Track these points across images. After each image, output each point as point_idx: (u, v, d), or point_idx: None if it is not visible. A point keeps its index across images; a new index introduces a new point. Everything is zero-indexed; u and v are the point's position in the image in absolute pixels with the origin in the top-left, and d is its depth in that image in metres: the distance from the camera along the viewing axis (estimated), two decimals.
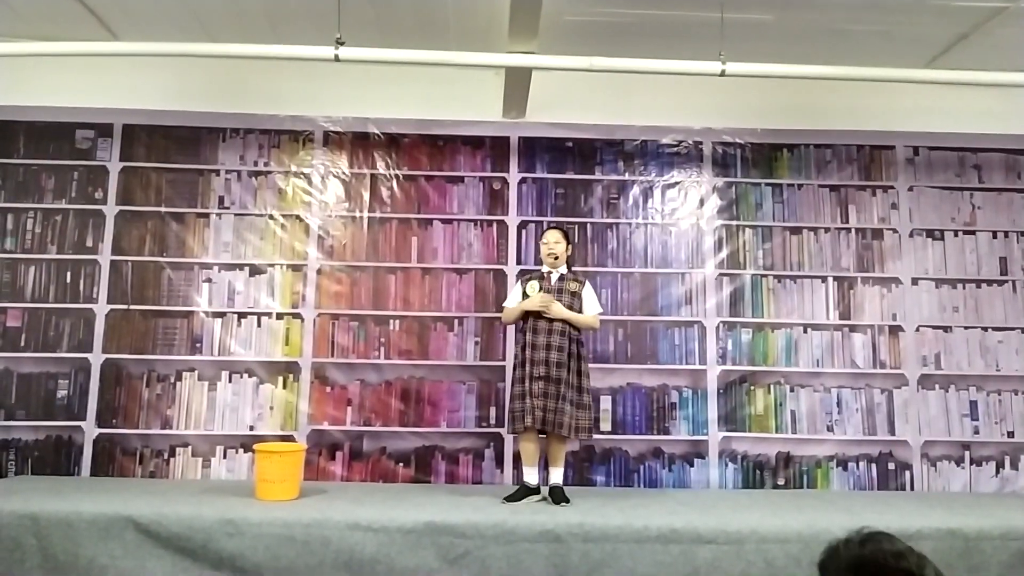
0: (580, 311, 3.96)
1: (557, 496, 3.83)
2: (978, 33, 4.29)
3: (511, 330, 4.53)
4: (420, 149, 4.85)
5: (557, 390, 3.81)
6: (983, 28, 4.23)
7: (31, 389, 4.53)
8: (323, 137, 4.84)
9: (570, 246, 4.11)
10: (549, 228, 4.17)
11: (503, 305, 4.17)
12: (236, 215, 4.76)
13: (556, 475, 3.91)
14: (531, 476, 3.90)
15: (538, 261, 4.67)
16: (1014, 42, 4.35)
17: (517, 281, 4.18)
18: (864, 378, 4.72)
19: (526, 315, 3.94)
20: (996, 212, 4.91)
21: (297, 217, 4.77)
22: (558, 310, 3.88)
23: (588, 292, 4.04)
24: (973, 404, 4.71)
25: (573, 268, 4.15)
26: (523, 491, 3.86)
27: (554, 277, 4.02)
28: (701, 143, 4.92)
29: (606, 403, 4.64)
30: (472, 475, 4.52)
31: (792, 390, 4.69)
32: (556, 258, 4.02)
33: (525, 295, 3.98)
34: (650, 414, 4.65)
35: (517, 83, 4.45)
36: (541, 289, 3.96)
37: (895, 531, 3.82)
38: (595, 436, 4.01)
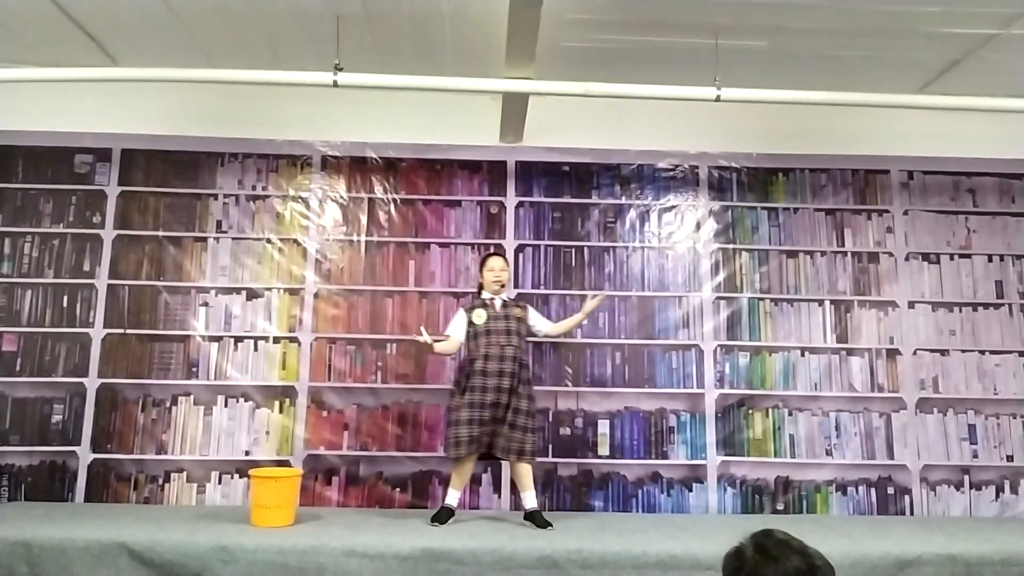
0: (528, 335, 4.08)
1: (538, 521, 3.82)
2: (970, 59, 4.33)
3: None
4: (418, 173, 4.88)
5: (504, 415, 3.85)
6: (975, 54, 4.28)
7: (26, 414, 4.49)
8: (321, 161, 4.86)
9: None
10: (493, 255, 4.18)
11: (446, 333, 4.09)
12: (234, 239, 4.76)
13: (529, 499, 3.91)
14: (454, 499, 3.92)
15: (535, 284, 4.72)
16: (1005, 68, 4.40)
17: (459, 309, 4.14)
18: (862, 402, 4.71)
19: (476, 341, 3.95)
20: (991, 236, 4.93)
21: (295, 241, 4.77)
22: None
23: (534, 312, 4.16)
24: (972, 428, 4.69)
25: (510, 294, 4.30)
26: (447, 512, 3.86)
27: (498, 303, 4.05)
28: (697, 167, 4.95)
29: (604, 427, 4.62)
30: (469, 500, 4.47)
31: (790, 414, 4.68)
32: (502, 285, 4.07)
33: (471, 323, 3.99)
34: (648, 438, 4.63)
35: (514, 108, 4.49)
36: (488, 317, 3.98)
37: (895, 557, 3.76)
38: (537, 459, 4.03)
